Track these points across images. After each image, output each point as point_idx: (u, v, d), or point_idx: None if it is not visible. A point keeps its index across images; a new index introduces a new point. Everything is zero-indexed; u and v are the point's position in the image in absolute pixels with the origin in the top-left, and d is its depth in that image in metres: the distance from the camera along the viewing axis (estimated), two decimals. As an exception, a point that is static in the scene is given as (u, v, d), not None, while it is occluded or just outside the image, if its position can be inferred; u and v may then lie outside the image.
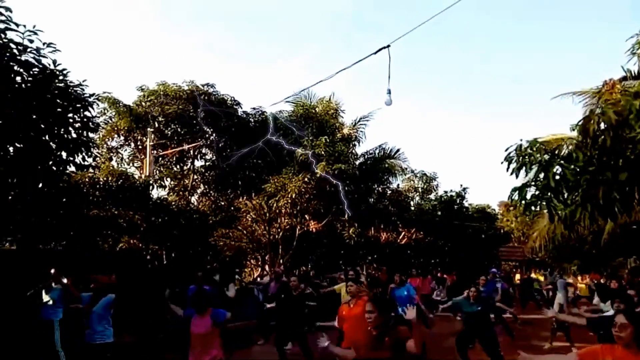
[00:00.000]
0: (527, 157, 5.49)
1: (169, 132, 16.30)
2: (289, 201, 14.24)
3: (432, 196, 23.47)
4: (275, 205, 14.76)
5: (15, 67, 6.37)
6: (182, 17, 70.85)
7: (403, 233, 21.08)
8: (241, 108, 17.05)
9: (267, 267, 18.06)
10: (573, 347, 9.42)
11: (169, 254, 11.93)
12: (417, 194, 24.12)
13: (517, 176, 5.58)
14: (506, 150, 5.59)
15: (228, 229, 18.87)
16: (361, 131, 17.21)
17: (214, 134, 16.44)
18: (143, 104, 16.14)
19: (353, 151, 17.24)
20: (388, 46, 6.75)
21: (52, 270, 7.19)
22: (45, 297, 7.14)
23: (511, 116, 77.35)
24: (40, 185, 7.31)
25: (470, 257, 20.52)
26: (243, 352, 8.94)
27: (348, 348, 3.81)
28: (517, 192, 5.67)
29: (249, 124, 16.86)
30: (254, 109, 17.29)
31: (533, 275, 22.25)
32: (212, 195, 18.01)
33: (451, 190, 22.24)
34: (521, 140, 5.59)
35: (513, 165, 5.53)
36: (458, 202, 21.59)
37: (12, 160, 6.62)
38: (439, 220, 20.07)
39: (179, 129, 16.28)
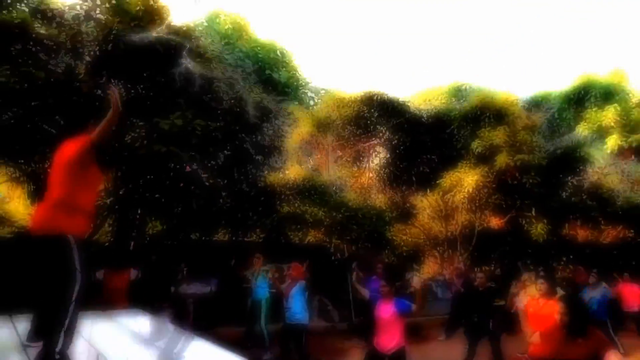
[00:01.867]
0: None
1: (346, 134, 17.32)
2: (466, 196, 13.66)
3: (645, 187, 19.61)
4: (451, 200, 14.34)
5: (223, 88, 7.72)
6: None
7: (607, 231, 18.11)
8: (412, 105, 17.14)
9: (445, 265, 17.66)
10: None
11: (350, 247, 12.68)
12: (627, 185, 20.51)
13: None
14: None
15: (404, 225, 19.06)
16: (546, 118, 15.47)
17: (387, 133, 16.87)
18: (323, 109, 17.59)
19: (538, 140, 15.61)
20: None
21: (257, 256, 8.42)
22: (255, 280, 8.30)
23: None
24: (243, 186, 8.68)
25: None
26: (421, 346, 8.97)
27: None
28: None
29: (421, 120, 16.81)
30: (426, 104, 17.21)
31: None
32: (388, 192, 18.45)
33: (673, 180, 18.24)
34: None
35: None
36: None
37: (222, 166, 8.02)
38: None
39: (355, 130, 17.19)
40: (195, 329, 8.47)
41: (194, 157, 5.97)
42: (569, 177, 16.57)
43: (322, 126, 16.67)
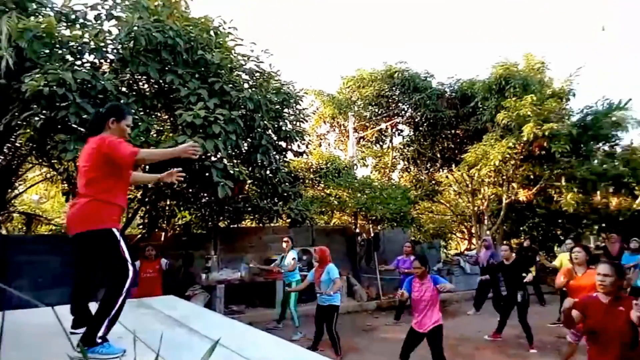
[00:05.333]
0: None
1: (368, 114, 17.22)
2: (493, 169, 13.46)
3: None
4: (477, 174, 14.16)
5: (243, 75, 7.81)
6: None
7: (641, 197, 17.58)
8: (435, 79, 16.82)
9: (473, 240, 17.55)
10: None
11: (375, 227, 12.75)
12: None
13: None
14: None
15: (430, 203, 18.98)
16: (577, 83, 14.94)
17: (409, 110, 16.68)
18: (343, 91, 17.49)
19: (567, 108, 15.15)
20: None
21: (286, 240, 8.58)
22: (284, 262, 8.49)
23: None
24: (266, 172, 8.79)
25: None
26: (450, 321, 9.01)
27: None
28: None
29: (444, 95, 16.53)
30: (449, 78, 16.88)
31: None
32: (412, 170, 18.35)
33: None
34: None
35: None
36: None
37: (245, 154, 8.12)
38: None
39: (376, 110, 17.07)
40: (227, 312, 8.78)
41: (217, 147, 6.08)
42: (600, 144, 16.08)
43: (344, 108, 16.62)
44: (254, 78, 7.93)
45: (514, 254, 7.93)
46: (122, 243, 2.80)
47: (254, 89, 7.49)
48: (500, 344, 7.37)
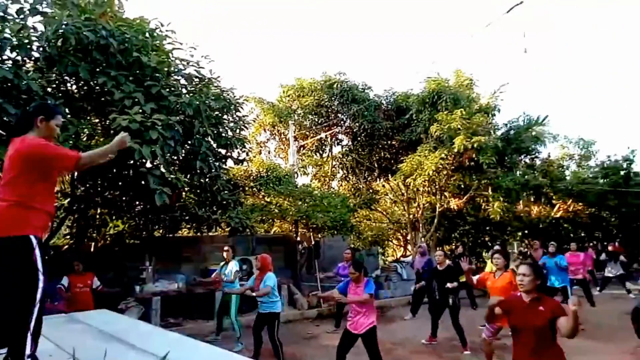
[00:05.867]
0: None
1: (308, 123, 17.38)
2: (427, 179, 14.08)
3: (591, 163, 20.92)
4: (412, 184, 14.74)
5: (181, 80, 7.59)
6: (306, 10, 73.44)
7: (558, 205, 19.18)
8: (372, 91, 17.35)
9: (409, 247, 18.18)
10: None
11: (315, 235, 12.83)
12: (573, 161, 21.75)
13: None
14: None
15: (368, 211, 19.44)
16: (501, 100, 16.06)
17: (348, 120, 17.05)
18: (283, 99, 17.54)
19: (492, 122, 16.23)
20: (521, 2, 6.35)
21: (226, 249, 8.37)
22: (224, 272, 8.26)
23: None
24: (205, 180, 8.57)
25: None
26: (387, 326, 9.27)
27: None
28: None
29: (381, 106, 17.09)
30: (385, 90, 17.50)
31: None
32: (351, 179, 18.73)
33: (615, 155, 19.55)
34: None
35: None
36: (625, 167, 18.81)
37: (182, 160, 7.88)
38: (601, 189, 17.77)
39: (316, 119, 17.28)
40: (163, 325, 8.41)
41: (155, 153, 5.83)
42: (522, 156, 17.37)
43: (284, 116, 16.65)
44: (194, 83, 7.74)
45: (447, 260, 8.29)
46: (37, 251, 2.60)
47: (193, 95, 7.30)
48: (435, 347, 7.64)
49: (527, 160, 18.03)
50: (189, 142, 7.38)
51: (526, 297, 3.44)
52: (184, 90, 7.48)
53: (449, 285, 7.51)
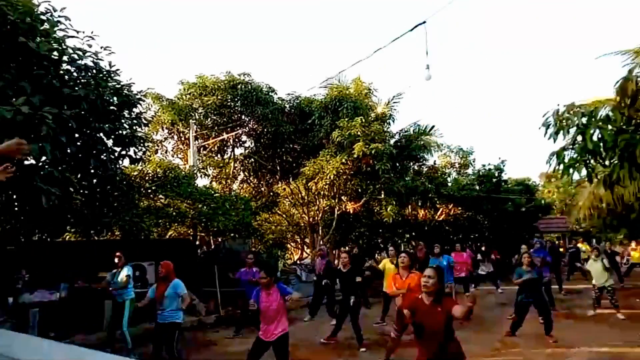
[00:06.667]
0: (564, 120, 5.55)
1: (210, 123, 16.88)
2: (327, 183, 14.56)
3: (469, 171, 23.29)
4: (314, 187, 15.12)
5: (74, 72, 6.94)
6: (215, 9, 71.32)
7: (441, 209, 21.03)
8: (276, 94, 17.42)
9: (307, 249, 18.60)
10: (619, 312, 9.42)
11: (216, 239, 12.53)
12: (454, 169, 23.98)
13: (554, 140, 5.65)
14: (544, 115, 5.67)
15: (269, 214, 19.47)
16: (395, 109, 17.22)
17: (251, 122, 16.92)
18: (184, 97, 16.80)
19: (388, 130, 17.31)
20: (424, 22, 6.91)
21: (118, 255, 7.81)
22: (116, 279, 7.70)
23: (553, 87, 74.16)
24: (97, 180, 7.93)
25: (510, 230, 20.35)
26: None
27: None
28: (555, 156, 5.73)
29: (284, 110, 17.22)
30: (289, 94, 17.68)
31: (580, 245, 21.77)
32: (252, 181, 18.60)
33: (489, 164, 22.02)
34: (558, 105, 5.67)
35: (551, 130, 5.60)
36: (497, 175, 21.28)
37: (73, 157, 7.21)
38: (477, 195, 19.90)
39: (218, 119, 16.85)
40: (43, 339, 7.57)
41: (43, 149, 5.26)
42: (412, 163, 18.79)
43: (184, 115, 15.99)
44: (90, 75, 7.12)
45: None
46: None
47: (88, 88, 6.73)
48: (334, 346, 7.91)
49: (416, 167, 19.56)
50: (83, 138, 6.78)
51: (427, 299, 3.76)
52: (79, 82, 6.86)
53: (358, 278, 7.92)
